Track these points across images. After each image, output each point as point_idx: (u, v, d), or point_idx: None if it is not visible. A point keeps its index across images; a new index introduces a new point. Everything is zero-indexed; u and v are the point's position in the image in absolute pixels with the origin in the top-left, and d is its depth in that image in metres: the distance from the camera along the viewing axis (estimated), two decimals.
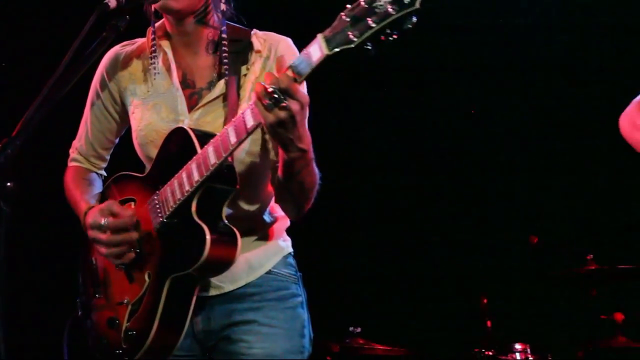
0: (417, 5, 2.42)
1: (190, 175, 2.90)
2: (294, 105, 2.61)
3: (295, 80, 2.60)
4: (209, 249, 2.87)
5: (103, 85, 3.34)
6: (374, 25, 2.47)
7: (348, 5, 2.53)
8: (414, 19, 2.46)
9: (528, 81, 7.07)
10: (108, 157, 3.51)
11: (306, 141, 2.76)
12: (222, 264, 2.98)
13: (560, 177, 6.72)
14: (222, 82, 3.14)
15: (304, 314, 3.25)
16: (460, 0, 6.72)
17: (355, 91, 7.14)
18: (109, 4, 2.89)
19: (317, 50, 2.56)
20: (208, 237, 2.87)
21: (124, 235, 3.07)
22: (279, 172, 2.91)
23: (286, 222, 3.32)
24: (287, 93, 2.60)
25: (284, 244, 3.30)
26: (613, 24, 6.69)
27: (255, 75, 3.12)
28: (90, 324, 3.28)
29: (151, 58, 3.23)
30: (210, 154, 2.85)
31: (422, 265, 6.87)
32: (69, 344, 3.34)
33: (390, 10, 2.45)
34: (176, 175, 2.96)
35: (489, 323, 5.88)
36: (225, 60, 3.14)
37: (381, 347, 5.94)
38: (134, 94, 3.28)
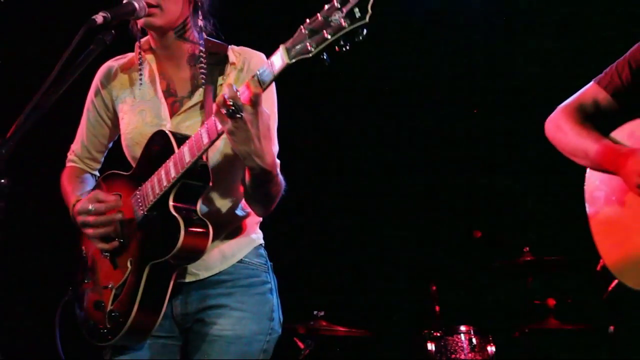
0: (367, 19, 2.43)
1: (168, 172, 2.91)
2: (247, 115, 2.59)
3: (260, 86, 2.60)
4: (183, 239, 2.87)
5: (97, 95, 3.34)
6: (328, 37, 2.48)
7: (307, 20, 2.53)
8: (365, 32, 2.46)
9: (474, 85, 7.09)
10: (102, 160, 3.50)
11: (268, 161, 2.75)
12: (195, 252, 2.97)
13: (501, 178, 6.72)
14: (200, 91, 3.14)
15: (273, 299, 3.22)
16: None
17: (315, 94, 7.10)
18: (96, 19, 2.87)
19: (279, 59, 2.57)
20: (182, 228, 2.87)
21: (107, 216, 3.05)
22: (246, 182, 2.91)
23: (257, 217, 3.29)
24: (242, 106, 2.60)
25: (255, 236, 3.28)
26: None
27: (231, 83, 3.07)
28: (80, 307, 3.25)
29: (138, 70, 3.23)
30: (185, 153, 2.86)
31: (380, 256, 6.87)
32: (61, 325, 3.27)
33: (343, 23, 2.45)
34: (156, 172, 2.97)
35: (437, 308, 5.90)
36: (203, 72, 3.13)
37: (342, 329, 5.93)
38: (124, 101, 3.28)
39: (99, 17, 2.88)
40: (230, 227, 3.20)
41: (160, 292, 3.02)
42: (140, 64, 3.24)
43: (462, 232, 6.52)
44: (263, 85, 2.61)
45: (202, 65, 3.14)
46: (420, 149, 7.17)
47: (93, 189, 3.34)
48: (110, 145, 3.49)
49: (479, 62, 6.99)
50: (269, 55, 2.64)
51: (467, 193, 6.86)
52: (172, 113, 3.16)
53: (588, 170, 3.28)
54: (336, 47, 2.51)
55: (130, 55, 3.33)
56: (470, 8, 6.72)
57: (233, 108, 2.59)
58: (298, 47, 2.54)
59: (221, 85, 3.14)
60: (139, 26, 3.20)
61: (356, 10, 2.45)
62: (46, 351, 3.47)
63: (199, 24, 3.20)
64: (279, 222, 3.86)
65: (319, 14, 2.51)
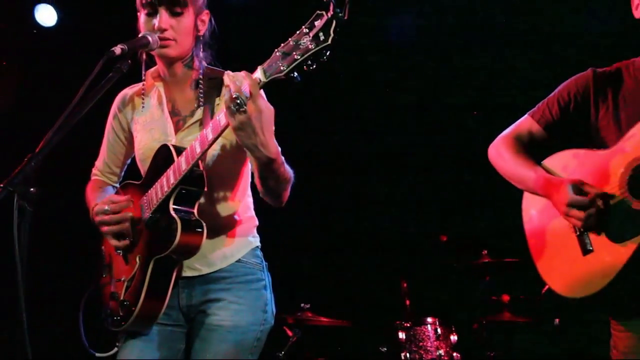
0: (329, 41, 2.46)
1: (168, 179, 2.94)
2: (250, 107, 2.57)
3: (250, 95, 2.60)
4: (179, 237, 2.89)
5: (115, 118, 3.39)
6: (298, 57, 2.51)
7: (282, 44, 2.56)
8: (328, 53, 2.49)
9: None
10: (122, 174, 3.53)
11: (273, 150, 2.69)
12: (192, 248, 2.99)
13: (466, 189, 6.72)
14: (200, 110, 3.16)
15: (267, 295, 3.22)
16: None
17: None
18: (115, 51, 2.89)
19: (257, 77, 2.60)
20: (179, 227, 2.90)
21: (121, 214, 3.09)
22: (256, 175, 2.87)
23: (254, 222, 3.32)
24: (248, 98, 2.58)
25: (252, 239, 3.28)
26: None
27: None
28: (100, 298, 3.29)
29: (144, 94, 3.30)
30: (182, 162, 2.89)
31: (358, 257, 6.86)
32: (84, 313, 3.31)
33: (310, 45, 2.49)
34: (159, 180, 2.99)
35: (407, 302, 5.89)
36: (201, 95, 3.17)
37: (325, 319, 5.93)
38: (136, 122, 3.31)
39: (117, 49, 2.90)
40: (229, 230, 3.19)
41: (164, 283, 3.05)
42: (143, 91, 3.30)
43: (430, 236, 6.49)
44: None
45: (201, 89, 3.18)
46: (400, 154, 7.11)
47: None
48: (129, 161, 3.51)
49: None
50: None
51: (436, 201, 6.84)
52: (177, 130, 3.19)
53: (524, 193, 3.29)
54: (304, 67, 2.52)
55: (140, 85, 3.36)
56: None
57: (238, 101, 2.56)
58: (273, 67, 2.56)
59: (218, 104, 3.15)
60: (145, 57, 3.26)
61: (320, 34, 2.48)
62: (72, 341, 3.45)
63: (200, 55, 3.24)
64: (272, 227, 3.84)
65: (290, 39, 2.54)
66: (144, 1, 3.11)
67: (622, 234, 2.83)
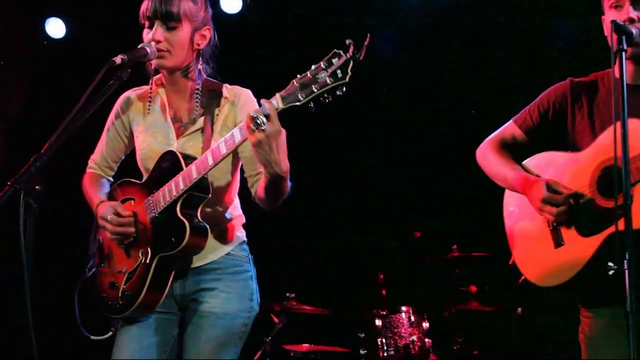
0: (347, 79, 2.56)
1: (178, 184, 2.96)
2: (269, 127, 2.62)
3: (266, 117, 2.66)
4: (188, 238, 2.95)
5: (117, 117, 3.37)
6: (316, 90, 2.58)
7: (298, 75, 2.63)
8: (344, 89, 2.58)
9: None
10: (116, 169, 3.52)
11: (284, 169, 2.76)
12: (197, 248, 3.06)
13: (437, 187, 6.71)
14: (201, 119, 3.18)
15: (253, 285, 3.26)
16: None
17: None
18: (115, 60, 2.93)
19: (275, 103, 2.66)
20: (188, 229, 2.95)
21: (123, 228, 3.12)
22: (263, 184, 2.94)
23: (242, 220, 3.36)
24: (265, 119, 2.63)
25: (240, 234, 3.31)
26: None
27: (224, 114, 3.19)
28: (96, 285, 3.29)
29: (151, 100, 3.29)
30: (193, 171, 2.92)
31: (339, 252, 6.84)
32: (79, 300, 3.32)
33: (328, 81, 2.57)
34: (167, 184, 3.01)
35: (384, 292, 5.90)
36: (197, 105, 3.19)
37: (308, 307, 5.94)
38: (139, 124, 3.32)
39: (118, 59, 2.94)
40: (221, 227, 3.22)
41: (165, 277, 3.08)
42: (150, 96, 3.29)
43: (405, 233, 6.51)
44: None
45: (198, 99, 3.19)
46: (372, 158, 7.09)
47: (109, 192, 3.38)
48: (123, 157, 3.51)
49: None
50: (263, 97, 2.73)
51: (410, 201, 6.84)
52: (178, 135, 3.20)
53: (506, 191, 3.34)
54: (320, 98, 2.61)
55: (145, 87, 3.37)
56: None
57: (258, 120, 2.62)
58: (291, 96, 2.64)
59: (217, 115, 3.18)
60: (152, 66, 3.24)
61: (338, 71, 2.57)
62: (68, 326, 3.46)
63: (199, 67, 3.24)
64: (266, 226, 3.86)
65: (308, 72, 2.61)
66: (143, 15, 3.14)
67: (590, 229, 2.91)
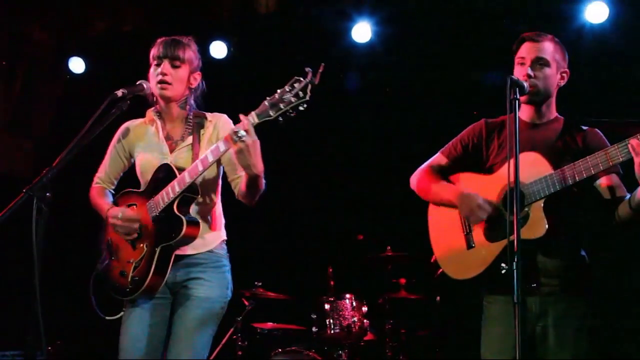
0: (307, 97, 2.71)
1: (174, 188, 3.00)
2: (248, 138, 2.75)
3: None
4: (185, 230, 3.01)
5: (119, 142, 3.38)
6: (283, 108, 2.73)
7: (267, 97, 2.76)
8: (306, 105, 2.72)
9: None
10: (116, 184, 3.51)
11: (260, 169, 2.86)
12: (191, 238, 3.10)
13: (378, 198, 6.61)
14: (190, 137, 3.21)
15: (229, 277, 3.28)
16: None
17: None
18: (117, 93, 2.98)
19: (251, 119, 2.80)
20: (184, 223, 3.02)
21: (130, 223, 3.12)
22: (244, 183, 3.01)
23: (223, 220, 3.35)
24: (245, 132, 2.75)
25: (222, 233, 3.31)
26: None
27: (209, 133, 3.24)
28: (108, 276, 3.27)
29: (149, 123, 3.34)
30: (186, 176, 2.99)
31: (299, 249, 6.73)
32: (94, 287, 3.31)
33: (292, 100, 2.73)
34: (164, 189, 3.03)
35: (332, 282, 5.86)
36: (189, 127, 3.24)
37: (273, 294, 5.89)
38: (138, 146, 3.32)
39: (119, 92, 2.99)
40: (209, 224, 3.24)
41: (165, 264, 3.09)
42: (147, 122, 3.34)
43: (350, 234, 6.46)
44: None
45: (189, 123, 3.24)
46: (336, 159, 6.95)
47: (114, 201, 3.38)
48: (122, 174, 3.50)
49: None
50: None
51: (355, 208, 6.75)
52: (171, 150, 3.22)
53: (430, 205, 3.36)
54: (287, 113, 2.74)
55: (140, 120, 3.38)
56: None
57: (239, 134, 2.73)
58: (263, 113, 2.77)
59: (203, 134, 3.23)
60: (154, 96, 3.27)
61: (300, 92, 2.71)
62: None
63: (191, 101, 3.30)
64: (241, 226, 3.80)
65: (276, 94, 2.75)
66: (154, 56, 3.20)
67: (495, 236, 3.01)
